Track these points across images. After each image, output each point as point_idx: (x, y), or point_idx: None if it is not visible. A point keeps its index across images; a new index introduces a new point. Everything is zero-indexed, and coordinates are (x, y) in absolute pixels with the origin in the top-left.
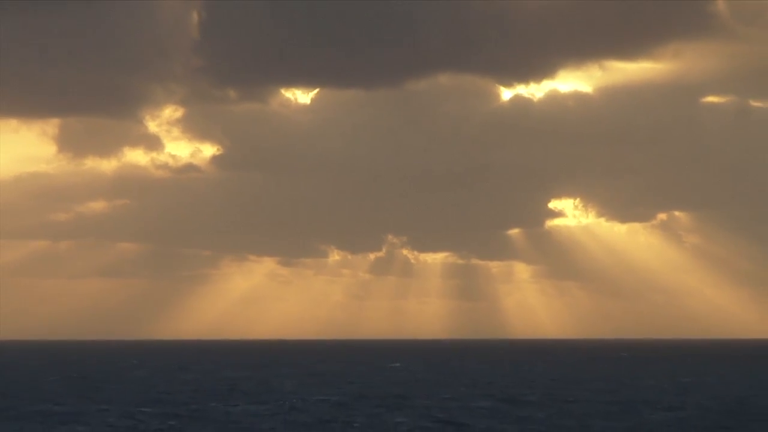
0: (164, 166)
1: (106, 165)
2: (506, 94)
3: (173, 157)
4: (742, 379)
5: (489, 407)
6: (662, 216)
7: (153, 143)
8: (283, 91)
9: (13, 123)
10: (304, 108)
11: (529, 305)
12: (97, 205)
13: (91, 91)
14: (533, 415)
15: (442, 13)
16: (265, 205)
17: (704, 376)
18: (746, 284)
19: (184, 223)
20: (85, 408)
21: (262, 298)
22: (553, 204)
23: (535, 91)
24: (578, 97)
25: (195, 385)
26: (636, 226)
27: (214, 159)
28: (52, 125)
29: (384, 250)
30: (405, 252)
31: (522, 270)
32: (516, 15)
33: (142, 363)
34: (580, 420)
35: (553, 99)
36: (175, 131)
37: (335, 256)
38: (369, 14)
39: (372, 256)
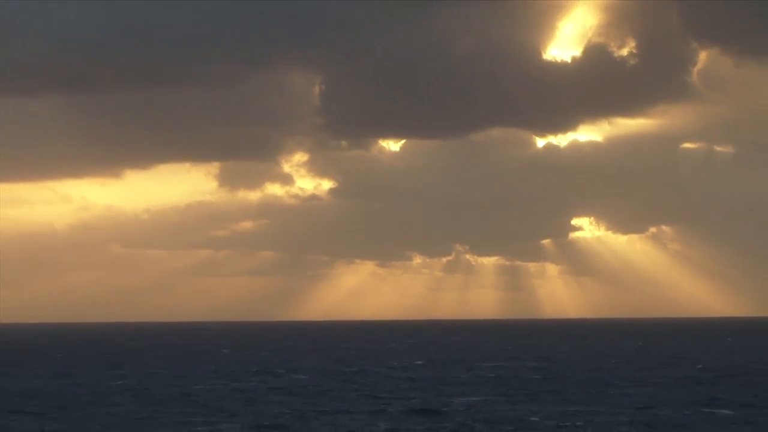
0: (295, 196)
1: (253, 195)
2: (540, 142)
3: (301, 189)
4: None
5: (533, 367)
6: (653, 229)
7: (286, 180)
8: (380, 141)
9: (186, 165)
10: (395, 153)
11: (556, 294)
12: (246, 224)
13: (243, 142)
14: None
15: (495, 83)
16: (367, 223)
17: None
18: (713, 279)
19: (309, 237)
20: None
21: (364, 290)
22: (575, 221)
23: (561, 140)
24: (592, 145)
25: (360, 352)
26: (634, 237)
27: (331, 191)
28: (214, 167)
29: (453, 255)
30: (467, 256)
31: (551, 269)
32: (547, 85)
33: (296, 338)
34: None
35: (574, 146)
36: (303, 171)
37: (417, 259)
38: (442, 84)
39: (444, 259)
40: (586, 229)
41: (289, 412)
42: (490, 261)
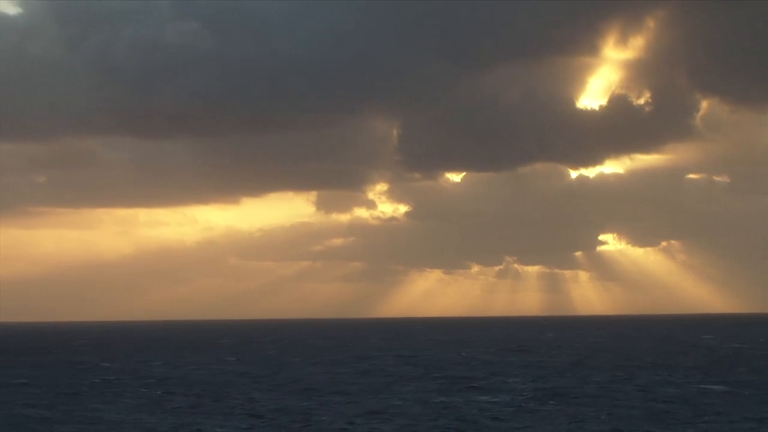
0: (377, 218)
1: (343, 218)
2: (573, 174)
3: (382, 212)
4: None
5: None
6: (664, 243)
7: (371, 205)
8: (446, 173)
9: (290, 194)
10: (457, 183)
11: (587, 296)
12: (338, 241)
13: (335, 175)
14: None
15: (537, 126)
16: (434, 239)
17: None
18: (712, 282)
19: (388, 250)
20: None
21: (433, 293)
22: (601, 237)
23: (590, 172)
24: (616, 176)
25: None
26: (648, 249)
27: (406, 213)
28: (312, 195)
29: (503, 264)
30: (515, 265)
31: (583, 275)
32: (579, 128)
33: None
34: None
35: (601, 177)
36: (384, 198)
37: (475, 268)
38: (495, 127)
39: (496, 268)
40: (611, 243)
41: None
42: (533, 269)
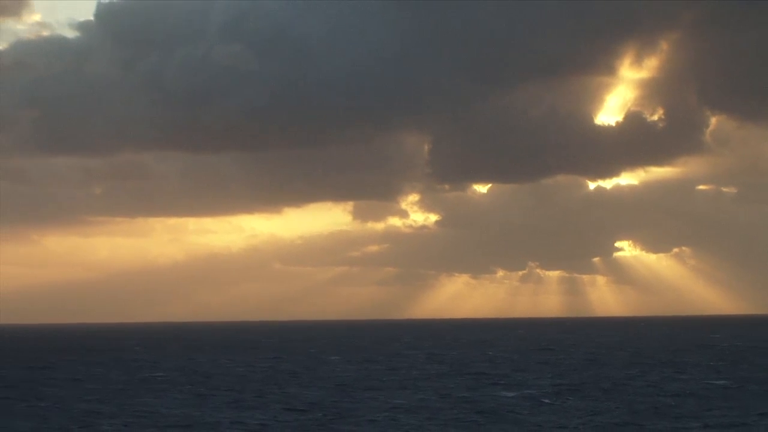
0: (409, 227)
1: (378, 226)
2: (592, 185)
3: (414, 221)
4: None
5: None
6: (676, 249)
7: (403, 214)
8: (473, 185)
9: (329, 204)
10: (484, 194)
11: (604, 298)
12: (373, 248)
13: (371, 186)
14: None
15: (559, 141)
16: (462, 246)
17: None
18: (720, 286)
19: (419, 256)
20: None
21: (461, 295)
22: (617, 244)
23: (607, 183)
24: (631, 187)
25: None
26: (661, 255)
27: (436, 222)
28: (349, 205)
29: (526, 269)
30: (537, 270)
31: (601, 279)
32: (598, 143)
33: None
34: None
35: (617, 188)
36: (415, 207)
37: (500, 272)
38: (520, 142)
39: (520, 272)
40: (626, 250)
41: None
42: (554, 274)
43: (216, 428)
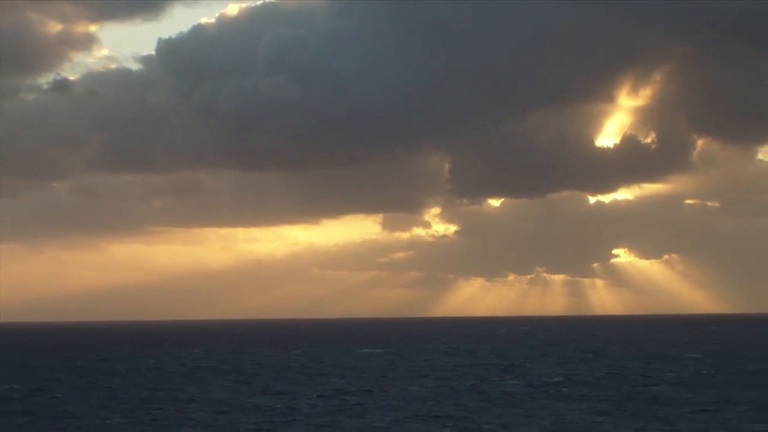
0: (432, 236)
1: (404, 236)
2: (592, 200)
3: (436, 231)
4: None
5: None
6: (666, 256)
7: (427, 225)
8: (488, 199)
9: (361, 216)
10: (497, 208)
11: (603, 299)
12: (400, 254)
13: (398, 201)
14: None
15: (564, 161)
16: (478, 254)
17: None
18: (705, 288)
19: (440, 262)
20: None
21: (476, 297)
22: (614, 251)
23: (606, 198)
24: (626, 202)
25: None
26: (653, 261)
27: (456, 232)
28: (379, 217)
29: (534, 273)
30: (544, 274)
31: (599, 283)
32: (598, 163)
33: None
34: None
35: (615, 202)
36: (437, 219)
37: (511, 276)
38: (529, 162)
39: (528, 276)
40: (622, 256)
41: None
42: (559, 277)
43: (255, 411)
